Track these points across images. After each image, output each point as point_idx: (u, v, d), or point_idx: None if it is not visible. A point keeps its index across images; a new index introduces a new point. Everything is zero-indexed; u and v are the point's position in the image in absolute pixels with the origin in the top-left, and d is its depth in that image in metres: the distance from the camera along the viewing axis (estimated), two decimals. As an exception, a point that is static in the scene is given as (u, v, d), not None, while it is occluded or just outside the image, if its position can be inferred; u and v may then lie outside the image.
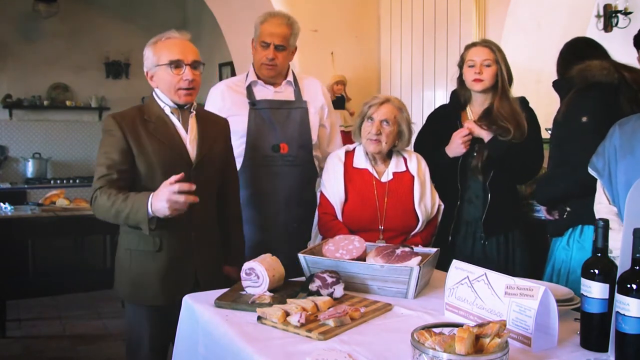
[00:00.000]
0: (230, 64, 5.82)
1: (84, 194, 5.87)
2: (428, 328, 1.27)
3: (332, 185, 2.39)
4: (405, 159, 2.44)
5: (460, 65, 2.58)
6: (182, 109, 2.15)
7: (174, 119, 2.14)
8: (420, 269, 1.80)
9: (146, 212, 1.91)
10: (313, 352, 1.37)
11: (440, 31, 4.07)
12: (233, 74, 5.61)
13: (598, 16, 5.29)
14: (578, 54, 2.54)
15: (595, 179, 1.90)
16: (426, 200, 2.39)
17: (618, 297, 1.28)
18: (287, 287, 1.91)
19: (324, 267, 1.91)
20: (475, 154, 2.53)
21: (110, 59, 7.43)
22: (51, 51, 7.09)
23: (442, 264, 1.99)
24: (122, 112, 2.17)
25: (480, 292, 1.54)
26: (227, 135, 2.36)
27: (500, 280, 1.51)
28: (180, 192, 1.87)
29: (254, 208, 2.63)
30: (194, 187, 1.89)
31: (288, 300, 1.70)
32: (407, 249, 1.94)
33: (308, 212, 2.62)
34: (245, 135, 2.60)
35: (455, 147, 2.50)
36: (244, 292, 1.85)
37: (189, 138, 2.15)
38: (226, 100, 2.66)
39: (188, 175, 2.09)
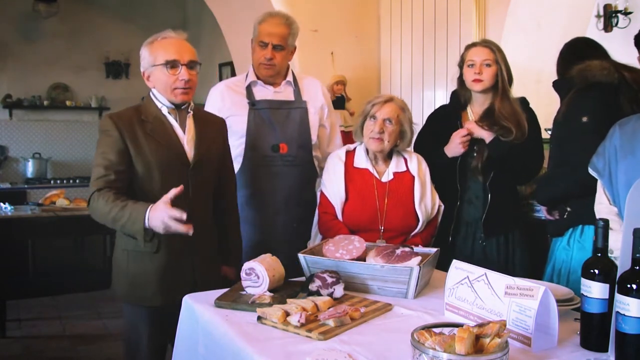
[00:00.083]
0: (230, 64, 5.82)
1: (84, 194, 5.86)
2: (428, 328, 1.27)
3: (332, 185, 2.39)
4: (405, 159, 2.44)
5: (461, 65, 2.58)
6: (179, 109, 2.15)
7: (171, 119, 2.14)
8: (420, 269, 1.80)
9: (143, 224, 1.91)
10: (313, 352, 1.37)
11: (440, 31, 4.07)
12: (233, 74, 5.61)
13: (598, 16, 5.29)
14: (578, 54, 2.54)
15: (596, 179, 1.90)
16: (426, 201, 2.39)
17: (618, 297, 1.28)
18: (287, 287, 1.91)
19: (324, 267, 1.91)
20: (475, 155, 2.53)
21: (110, 59, 7.43)
22: (51, 51, 7.09)
23: (442, 264, 1.99)
24: (119, 112, 2.17)
25: (480, 292, 1.54)
26: (225, 135, 2.36)
27: (500, 280, 1.51)
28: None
29: (254, 208, 2.63)
30: (184, 215, 1.85)
31: (288, 300, 1.70)
32: (407, 249, 1.94)
33: (308, 212, 2.61)
34: (244, 136, 2.60)
35: (454, 147, 2.50)
36: (244, 292, 1.85)
37: (187, 138, 2.14)
38: (226, 101, 2.66)
39: (185, 176, 2.09)
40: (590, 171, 1.90)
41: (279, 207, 2.62)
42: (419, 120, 2.86)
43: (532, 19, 3.76)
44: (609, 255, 1.46)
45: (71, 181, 6.88)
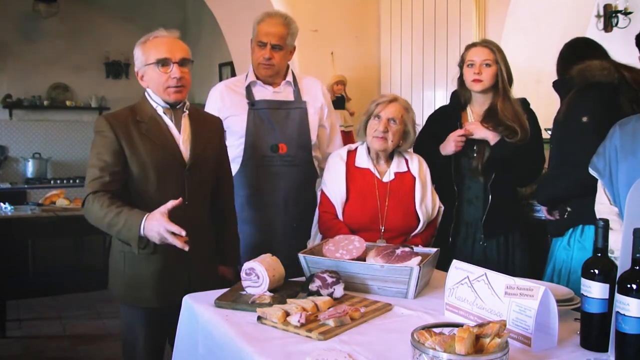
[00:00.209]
0: (230, 64, 5.82)
1: (84, 194, 5.85)
2: (428, 328, 1.27)
3: (333, 184, 2.39)
4: (406, 160, 2.44)
5: (461, 65, 2.58)
6: (174, 109, 2.14)
7: (167, 119, 2.13)
8: (420, 269, 1.80)
9: (138, 233, 1.92)
10: (313, 352, 1.37)
11: (440, 31, 4.07)
12: (233, 74, 5.62)
13: (598, 16, 5.29)
14: (578, 54, 2.54)
15: (596, 179, 1.90)
16: (427, 202, 2.39)
17: (618, 297, 1.28)
18: (287, 287, 1.91)
19: (324, 267, 1.90)
20: (474, 155, 2.53)
21: (110, 59, 7.43)
22: (51, 51, 7.09)
23: (442, 264, 1.99)
24: (114, 113, 2.17)
25: (480, 292, 1.54)
26: (221, 135, 2.35)
27: (500, 280, 1.51)
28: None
29: (253, 208, 2.63)
30: (183, 232, 1.85)
31: (288, 300, 1.70)
32: (407, 249, 1.94)
33: (307, 212, 2.62)
34: (244, 136, 2.60)
35: (447, 145, 2.51)
36: (244, 292, 1.85)
37: (182, 138, 2.13)
38: (225, 101, 2.66)
39: (181, 176, 2.09)
40: (591, 171, 1.89)
41: (279, 207, 2.62)
42: (419, 121, 2.86)
43: (532, 19, 3.76)
44: (610, 255, 1.46)
45: (71, 181, 6.88)
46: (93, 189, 2.01)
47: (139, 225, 1.91)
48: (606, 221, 1.42)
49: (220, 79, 6.48)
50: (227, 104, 2.65)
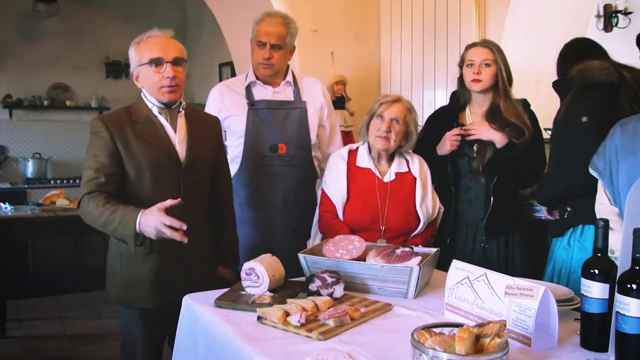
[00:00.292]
0: (230, 64, 5.82)
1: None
2: (428, 328, 1.27)
3: (334, 184, 2.39)
4: (407, 161, 2.45)
5: (460, 65, 2.58)
6: (170, 109, 2.13)
7: (162, 119, 2.12)
8: (420, 269, 1.80)
9: (133, 229, 1.91)
10: (313, 352, 1.37)
11: (440, 31, 4.07)
12: (233, 74, 5.61)
13: (598, 16, 5.29)
14: (578, 55, 2.54)
15: (596, 179, 1.90)
16: (427, 202, 2.39)
17: (618, 297, 1.28)
18: (287, 287, 1.91)
19: (324, 267, 1.90)
20: (475, 156, 2.52)
21: (110, 59, 7.43)
22: (51, 51, 7.09)
23: (442, 265, 1.99)
24: (109, 114, 2.17)
25: (480, 292, 1.54)
26: (218, 135, 2.33)
27: (500, 280, 1.51)
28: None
29: (253, 208, 2.63)
30: (185, 226, 1.87)
31: (288, 300, 1.70)
32: (407, 249, 1.94)
33: (306, 212, 2.62)
34: (243, 136, 2.60)
35: (442, 144, 2.51)
36: (244, 292, 1.85)
37: (178, 138, 2.12)
38: (225, 101, 2.66)
39: (177, 176, 2.08)
40: (591, 171, 1.90)
41: (278, 207, 2.62)
42: (419, 121, 2.86)
43: (532, 19, 3.76)
44: (610, 255, 1.46)
45: (71, 181, 6.88)
46: (88, 190, 2.01)
47: (134, 222, 1.91)
48: (606, 221, 1.42)
49: (220, 79, 6.48)
50: (227, 104, 2.65)
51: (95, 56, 7.38)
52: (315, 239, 2.54)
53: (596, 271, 1.39)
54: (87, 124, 7.91)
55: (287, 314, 1.57)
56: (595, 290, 1.39)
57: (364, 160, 2.42)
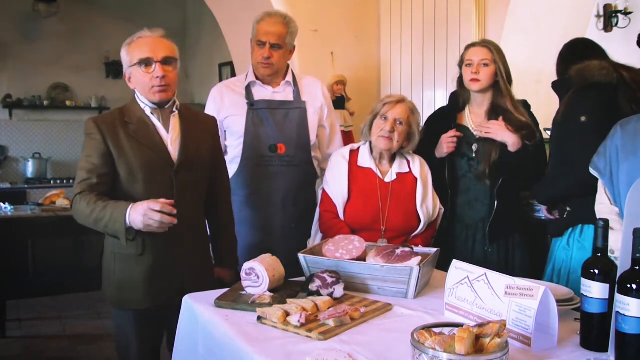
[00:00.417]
0: (230, 64, 5.82)
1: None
2: (428, 328, 1.27)
3: (335, 183, 2.39)
4: (408, 161, 2.45)
5: (460, 65, 2.58)
6: (162, 109, 2.11)
7: (155, 119, 2.11)
8: (420, 269, 1.80)
9: (124, 223, 1.92)
10: (313, 352, 1.37)
11: (440, 31, 4.07)
12: (233, 74, 5.61)
13: (598, 16, 5.29)
14: (577, 55, 2.54)
15: (596, 178, 1.90)
16: (428, 203, 2.39)
17: (618, 297, 1.28)
18: (287, 287, 1.91)
19: (324, 267, 1.90)
20: (474, 156, 2.51)
21: (110, 59, 7.42)
22: (51, 51, 7.08)
23: (442, 265, 1.99)
24: (103, 115, 2.18)
25: (480, 292, 1.54)
26: (215, 135, 2.31)
27: (500, 280, 1.51)
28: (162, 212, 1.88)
29: (252, 208, 2.63)
30: (174, 211, 1.89)
31: (288, 300, 1.70)
32: (407, 249, 1.94)
33: (306, 213, 2.61)
34: (243, 136, 2.60)
35: (439, 147, 2.51)
36: (244, 292, 1.85)
37: (171, 138, 2.11)
38: (225, 101, 2.66)
39: (170, 177, 2.07)
40: (592, 171, 1.90)
41: (277, 207, 2.62)
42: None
43: (532, 19, 3.76)
44: (610, 255, 1.46)
45: (71, 181, 6.85)
46: (81, 190, 2.02)
47: (124, 216, 1.92)
48: (606, 221, 1.42)
49: (220, 79, 6.48)
50: (226, 104, 2.65)
51: (95, 56, 7.37)
52: (315, 238, 2.54)
53: (596, 271, 1.39)
54: (87, 124, 7.79)
55: (287, 314, 1.57)
56: (595, 290, 1.39)
57: (365, 160, 2.42)
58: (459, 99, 2.61)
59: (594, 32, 4.92)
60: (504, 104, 2.48)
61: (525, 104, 2.56)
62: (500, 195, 2.47)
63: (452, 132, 2.49)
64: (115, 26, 7.29)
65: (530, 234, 2.61)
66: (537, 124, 2.55)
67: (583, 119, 2.22)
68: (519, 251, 2.54)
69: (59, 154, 7.27)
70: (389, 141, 2.35)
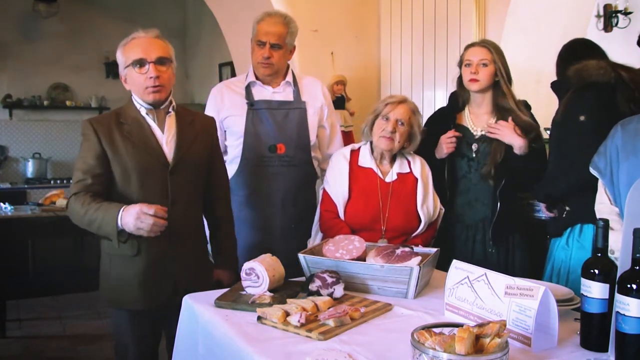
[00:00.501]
0: (230, 64, 5.82)
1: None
2: (428, 328, 1.27)
3: (336, 183, 2.39)
4: (409, 162, 2.45)
5: (460, 65, 2.58)
6: (157, 109, 2.11)
7: (150, 120, 2.10)
8: (420, 269, 1.80)
9: (115, 225, 1.92)
10: (313, 352, 1.37)
11: (440, 31, 4.07)
12: (233, 74, 5.61)
13: (598, 16, 5.29)
14: (576, 55, 2.54)
15: (595, 177, 1.90)
16: (428, 203, 2.39)
17: (618, 297, 1.28)
18: (287, 287, 1.91)
19: (324, 267, 1.90)
20: (474, 155, 2.51)
21: (110, 59, 7.42)
22: (51, 51, 7.08)
23: (442, 265, 1.99)
24: (98, 116, 2.18)
25: (480, 292, 1.54)
26: (213, 135, 2.30)
27: (500, 280, 1.51)
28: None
29: (252, 208, 2.63)
30: (166, 216, 1.91)
31: (288, 300, 1.70)
32: (407, 249, 1.94)
33: (305, 213, 2.61)
34: (243, 136, 2.60)
35: (438, 148, 2.51)
36: (244, 292, 1.85)
37: (166, 139, 2.10)
38: (225, 101, 2.66)
39: (165, 177, 2.06)
40: (592, 170, 1.90)
41: (277, 207, 2.62)
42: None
43: (532, 19, 3.76)
44: (610, 255, 1.46)
45: (71, 181, 6.85)
46: (76, 191, 2.02)
47: (116, 218, 1.92)
48: (606, 221, 1.42)
49: (220, 79, 6.48)
50: (226, 103, 2.65)
51: (95, 56, 7.37)
52: (315, 238, 2.54)
53: (596, 271, 1.39)
54: (87, 124, 7.79)
55: (287, 314, 1.57)
56: (595, 290, 1.39)
57: (366, 160, 2.43)
58: (458, 99, 2.61)
59: (594, 32, 4.93)
60: (506, 103, 2.48)
61: (526, 105, 2.56)
62: (503, 196, 2.46)
63: (451, 133, 2.49)
64: (115, 26, 7.28)
65: (530, 234, 2.61)
66: (537, 124, 2.55)
67: (582, 118, 2.22)
68: (519, 251, 2.54)
69: (59, 154, 7.27)
70: (390, 141, 2.35)
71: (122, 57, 2.08)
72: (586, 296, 1.40)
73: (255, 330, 1.55)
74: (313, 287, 1.80)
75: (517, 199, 2.61)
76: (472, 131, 2.55)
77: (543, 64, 3.55)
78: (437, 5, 4.09)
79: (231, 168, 2.59)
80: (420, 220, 2.37)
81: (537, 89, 3.61)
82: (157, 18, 7.09)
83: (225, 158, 2.61)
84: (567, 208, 2.33)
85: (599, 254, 1.41)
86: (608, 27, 5.31)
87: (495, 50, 2.48)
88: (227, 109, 2.64)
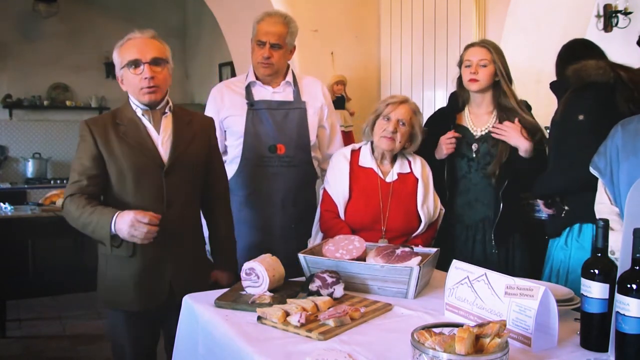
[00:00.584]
0: (230, 64, 5.82)
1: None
2: (428, 328, 1.27)
3: (336, 183, 2.39)
4: (409, 162, 2.45)
5: (459, 65, 2.58)
6: (153, 110, 2.10)
7: (146, 120, 2.10)
8: (420, 269, 1.80)
9: (109, 230, 1.92)
10: (313, 352, 1.37)
11: (440, 31, 4.07)
12: (233, 74, 5.61)
13: (598, 16, 5.29)
14: (576, 55, 2.54)
15: (594, 177, 1.90)
16: (429, 203, 2.39)
17: (618, 297, 1.28)
18: (287, 287, 1.91)
19: (324, 267, 1.90)
20: (474, 156, 2.51)
21: (110, 59, 7.33)
22: (51, 51, 7.08)
23: (442, 265, 1.99)
24: (95, 117, 2.18)
25: (480, 292, 1.54)
26: (211, 135, 2.28)
27: (500, 280, 1.51)
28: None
29: (252, 209, 2.63)
30: (157, 229, 1.92)
31: (288, 300, 1.70)
32: (407, 249, 1.94)
33: (306, 213, 2.61)
34: (243, 136, 2.60)
35: (438, 149, 2.51)
36: (244, 292, 1.85)
37: (162, 140, 2.09)
38: (225, 101, 2.66)
39: (160, 178, 2.06)
40: (592, 170, 1.90)
41: (277, 207, 2.62)
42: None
43: (532, 19, 3.76)
44: (610, 256, 1.46)
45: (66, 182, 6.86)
46: (71, 192, 2.02)
47: (109, 224, 1.92)
48: (606, 221, 1.42)
49: (220, 79, 6.48)
50: (226, 103, 2.65)
51: (95, 56, 7.37)
52: (316, 238, 2.54)
53: (596, 271, 1.39)
54: (87, 124, 7.79)
55: (287, 314, 1.57)
56: (595, 290, 1.39)
57: (366, 160, 2.43)
58: (458, 99, 2.61)
59: (594, 32, 4.92)
60: (508, 103, 2.47)
61: (526, 105, 2.56)
62: (506, 197, 2.46)
63: (451, 134, 2.49)
64: (115, 26, 7.28)
65: (530, 234, 2.61)
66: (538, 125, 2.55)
67: (581, 117, 2.22)
68: (519, 251, 2.54)
69: (59, 154, 7.27)
70: (391, 142, 2.35)
71: (118, 58, 2.08)
72: (586, 296, 1.40)
73: (255, 330, 1.55)
74: (313, 287, 1.80)
75: (519, 200, 2.61)
76: (472, 131, 2.55)
77: (543, 64, 3.55)
78: (437, 5, 4.09)
79: (231, 168, 2.59)
80: (420, 221, 2.37)
81: (537, 89, 3.61)
82: (157, 18, 7.09)
83: (225, 158, 2.61)
84: (566, 208, 2.33)
85: (599, 254, 1.41)
86: (608, 27, 5.31)
87: (495, 51, 2.48)
88: (227, 109, 2.64)
